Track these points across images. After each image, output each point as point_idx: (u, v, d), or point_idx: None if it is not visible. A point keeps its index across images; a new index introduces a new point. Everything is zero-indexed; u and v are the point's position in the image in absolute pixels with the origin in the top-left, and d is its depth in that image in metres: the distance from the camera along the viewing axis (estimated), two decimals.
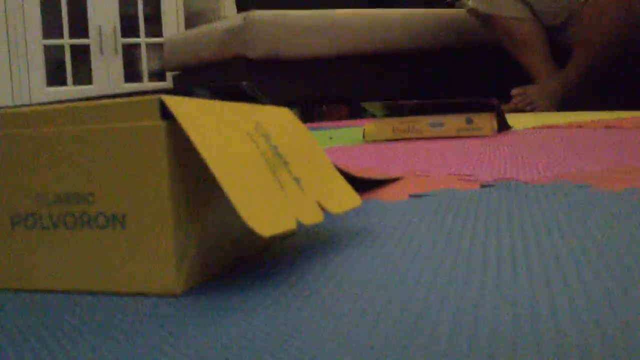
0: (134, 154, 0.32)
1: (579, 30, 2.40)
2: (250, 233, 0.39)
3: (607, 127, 1.38)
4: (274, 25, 2.62)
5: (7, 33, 3.75)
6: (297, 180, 0.38)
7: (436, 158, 0.95)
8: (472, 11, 2.71)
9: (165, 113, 0.31)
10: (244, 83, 0.41)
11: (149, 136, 0.31)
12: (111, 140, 0.32)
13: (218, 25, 2.83)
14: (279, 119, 0.42)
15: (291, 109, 3.35)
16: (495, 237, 0.41)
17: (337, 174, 0.44)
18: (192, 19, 4.42)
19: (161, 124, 0.31)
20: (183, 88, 0.42)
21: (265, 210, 0.32)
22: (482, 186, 0.66)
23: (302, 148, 0.42)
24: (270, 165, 0.36)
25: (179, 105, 0.31)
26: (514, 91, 2.51)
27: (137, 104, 0.31)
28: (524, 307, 0.27)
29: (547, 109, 2.44)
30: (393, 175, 0.78)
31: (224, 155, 0.32)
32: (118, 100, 0.32)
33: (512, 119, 2.00)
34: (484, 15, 2.67)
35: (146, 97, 0.31)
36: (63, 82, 3.94)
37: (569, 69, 2.43)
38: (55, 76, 3.98)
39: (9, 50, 3.75)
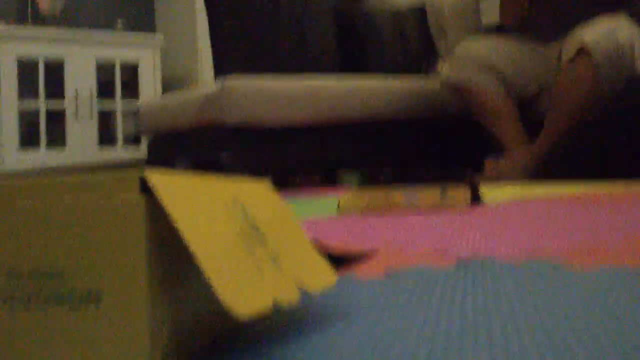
0: (111, 230, 0.31)
1: (551, 101, 2.44)
2: (227, 312, 0.39)
3: (577, 200, 1.39)
4: (251, 93, 2.64)
5: None
6: (274, 258, 0.38)
7: (411, 231, 0.95)
8: (444, 82, 2.76)
9: (145, 187, 0.31)
10: (224, 155, 0.41)
11: (128, 211, 0.31)
12: (88, 215, 0.32)
13: (195, 92, 2.85)
14: (257, 194, 0.42)
15: (265, 177, 3.36)
16: (472, 317, 0.41)
17: (313, 250, 0.44)
18: (169, 85, 4.45)
19: (140, 198, 0.31)
20: (161, 157, 0.42)
21: (243, 290, 0.32)
22: (457, 263, 0.66)
23: (280, 223, 0.42)
24: (248, 242, 0.36)
25: (159, 180, 0.31)
26: (487, 162, 2.53)
27: (117, 179, 0.31)
28: None
29: (518, 180, 2.46)
30: (368, 250, 0.78)
31: (203, 232, 0.32)
32: (97, 174, 0.32)
33: (486, 190, 2.02)
34: (455, 86, 2.71)
35: (126, 172, 0.31)
36: (36, 145, 3.92)
37: (541, 139, 2.47)
38: (28, 139, 3.96)
39: None
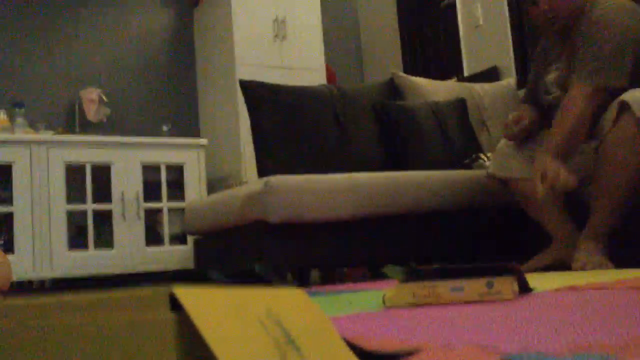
0: (144, 345, 0.32)
1: (596, 184, 2.40)
2: None
3: (631, 287, 1.36)
4: (293, 190, 2.66)
5: (32, 199, 3.83)
6: None
7: (457, 325, 0.94)
8: (490, 176, 2.76)
9: (175, 304, 0.31)
10: (257, 266, 0.41)
11: (159, 329, 0.31)
12: (122, 331, 0.32)
13: (239, 190, 2.88)
14: (291, 302, 0.42)
15: (311, 271, 3.35)
16: None
17: (350, 356, 0.44)
18: (213, 184, 4.51)
19: (171, 317, 0.31)
20: (198, 270, 0.42)
21: None
22: (503, 358, 0.64)
23: (315, 331, 0.42)
24: (281, 352, 0.36)
25: (189, 297, 0.32)
26: (575, 266, 2.42)
27: (148, 297, 0.32)
28: None
29: (604, 265, 2.36)
30: (411, 347, 0.77)
31: (234, 346, 0.32)
32: (128, 292, 0.32)
33: (532, 279, 1.99)
34: (501, 180, 2.71)
35: (156, 290, 0.31)
36: (85, 246, 3.98)
37: (592, 224, 2.41)
38: (77, 240, 4.02)
39: (32, 215, 3.82)
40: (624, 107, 2.31)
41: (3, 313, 0.34)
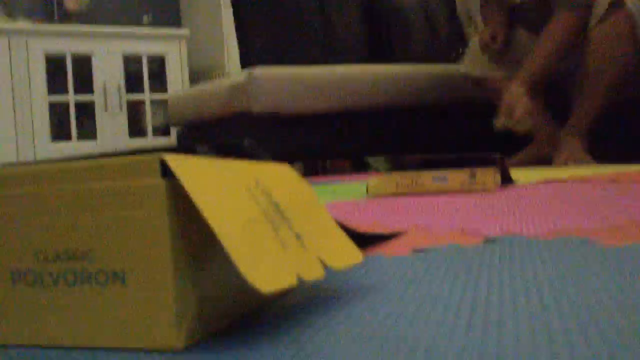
0: (134, 212, 0.32)
1: (583, 72, 2.39)
2: (252, 289, 0.39)
3: (610, 181, 1.38)
4: (277, 82, 2.65)
5: (13, 89, 3.78)
6: (298, 236, 0.38)
7: (439, 213, 0.95)
8: (465, 75, 2.74)
9: (166, 171, 0.32)
10: (245, 140, 0.41)
11: (150, 194, 0.31)
12: (112, 198, 0.32)
13: (222, 82, 2.86)
14: (279, 176, 0.42)
15: (295, 164, 3.36)
16: (497, 295, 0.41)
17: (339, 229, 0.44)
18: (196, 76, 4.47)
19: (161, 182, 0.31)
20: (185, 145, 0.42)
21: (266, 266, 0.32)
22: (486, 241, 0.65)
23: (303, 204, 0.42)
24: (271, 221, 0.36)
25: (179, 163, 0.32)
26: (556, 161, 2.43)
27: (138, 163, 0.32)
28: None
29: (586, 160, 2.38)
30: (395, 230, 0.78)
31: (224, 212, 0.32)
32: (119, 159, 0.32)
33: (515, 173, 2.01)
34: (476, 79, 2.69)
35: (147, 156, 0.31)
36: (67, 138, 3.97)
37: (575, 119, 2.42)
38: (59, 131, 4.01)
39: (14, 106, 3.79)
40: (618, 2, 2.28)
41: None
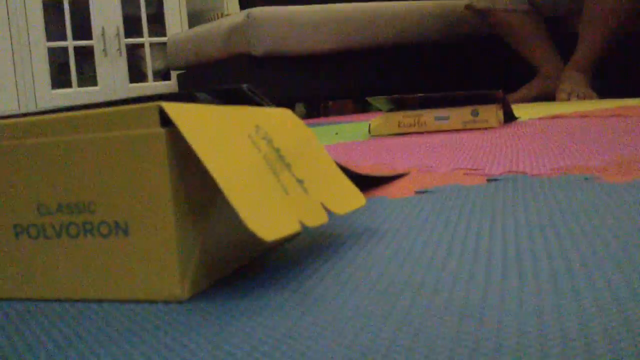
0: (134, 162, 0.32)
1: (585, 15, 2.36)
2: (254, 237, 0.39)
3: (613, 115, 1.37)
4: (276, 22, 2.62)
5: (11, 37, 3.75)
6: (300, 182, 0.38)
7: (442, 152, 0.95)
8: (469, 7, 2.70)
9: (165, 120, 0.31)
10: (245, 85, 0.40)
11: (150, 143, 0.31)
12: (112, 148, 0.32)
13: (221, 23, 2.83)
14: (280, 121, 0.42)
15: (296, 105, 3.35)
16: (501, 234, 0.41)
17: (341, 174, 0.44)
18: (195, 18, 4.42)
19: (161, 131, 0.31)
20: (184, 92, 0.42)
21: (268, 213, 0.32)
22: (489, 180, 0.65)
23: (305, 149, 0.42)
24: (273, 168, 0.36)
25: (178, 111, 0.31)
26: (559, 96, 2.42)
27: (137, 112, 0.31)
28: (529, 307, 0.27)
29: (589, 95, 2.36)
30: (399, 171, 0.78)
31: (225, 160, 0.32)
32: (118, 108, 0.32)
33: (518, 109, 2.00)
34: (481, 10, 2.65)
35: (145, 105, 0.31)
36: (68, 84, 3.95)
37: (578, 53, 2.39)
38: (60, 78, 3.99)
39: (12, 54, 3.76)
40: None
41: None
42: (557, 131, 1.12)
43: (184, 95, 0.43)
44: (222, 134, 0.33)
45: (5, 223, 0.34)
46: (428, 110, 1.38)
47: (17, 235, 0.34)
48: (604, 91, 2.59)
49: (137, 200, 0.32)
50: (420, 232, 0.43)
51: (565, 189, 0.56)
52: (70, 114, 0.33)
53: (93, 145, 0.32)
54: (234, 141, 0.34)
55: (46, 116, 0.33)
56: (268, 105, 0.45)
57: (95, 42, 3.98)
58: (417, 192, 0.61)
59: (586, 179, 0.61)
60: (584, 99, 2.34)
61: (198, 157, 0.33)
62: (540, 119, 1.48)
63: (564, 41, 2.64)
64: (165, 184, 0.31)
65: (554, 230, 0.41)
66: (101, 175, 0.32)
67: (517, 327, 0.25)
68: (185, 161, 0.32)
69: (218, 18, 3.76)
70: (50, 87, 3.85)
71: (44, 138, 0.33)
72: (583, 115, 1.44)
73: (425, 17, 2.90)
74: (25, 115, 0.45)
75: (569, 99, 2.35)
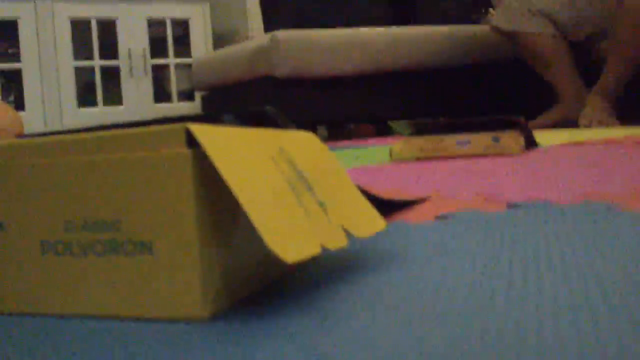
0: (160, 182, 0.32)
1: (612, 36, 2.36)
2: (275, 258, 0.39)
3: (636, 143, 1.37)
4: (300, 45, 2.64)
5: (39, 55, 3.80)
6: (321, 204, 0.38)
7: (463, 177, 0.95)
8: (495, 28, 2.71)
9: (191, 141, 0.32)
10: (269, 108, 0.41)
11: (176, 164, 0.32)
12: (138, 168, 0.33)
13: (245, 45, 2.85)
14: (302, 144, 0.42)
15: (318, 128, 3.36)
16: (520, 263, 0.41)
17: (362, 197, 0.45)
18: (220, 40, 4.46)
19: (187, 151, 0.32)
20: (209, 113, 0.43)
21: (290, 235, 0.32)
22: (509, 206, 0.65)
23: (326, 172, 0.42)
24: (295, 190, 0.36)
25: (204, 133, 0.32)
26: (582, 122, 2.42)
27: (164, 133, 0.32)
28: (548, 336, 0.27)
29: (611, 122, 2.36)
30: (419, 196, 0.79)
31: (249, 181, 0.32)
32: (144, 128, 0.32)
33: (539, 135, 2.00)
34: (507, 33, 2.66)
35: (172, 126, 0.32)
36: (93, 104, 3.99)
37: (604, 81, 2.39)
38: (85, 97, 4.03)
39: (40, 72, 3.81)
40: None
41: (17, 150, 0.35)
42: (579, 158, 1.12)
43: (209, 117, 0.44)
44: (246, 156, 0.34)
45: (33, 239, 0.35)
46: (449, 135, 1.39)
47: (43, 251, 0.35)
48: (626, 118, 2.58)
49: (162, 220, 0.32)
50: (440, 258, 0.44)
51: (586, 216, 0.56)
52: (98, 133, 0.33)
53: (120, 164, 0.33)
54: (257, 163, 0.35)
55: (74, 135, 0.34)
56: (291, 128, 0.46)
57: (121, 62, 4.02)
58: (437, 218, 0.62)
59: (608, 206, 0.61)
60: (606, 125, 2.33)
61: (222, 178, 0.34)
62: (561, 145, 1.48)
63: (587, 66, 2.63)
64: (190, 204, 0.32)
65: (575, 258, 0.41)
66: (128, 194, 0.33)
67: (536, 355, 0.25)
68: (209, 182, 0.33)
69: (243, 40, 3.79)
70: (76, 105, 3.89)
71: (72, 157, 0.34)
72: (605, 142, 1.44)
73: (448, 41, 2.91)
74: (53, 133, 0.46)
75: (590, 126, 2.34)
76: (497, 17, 2.70)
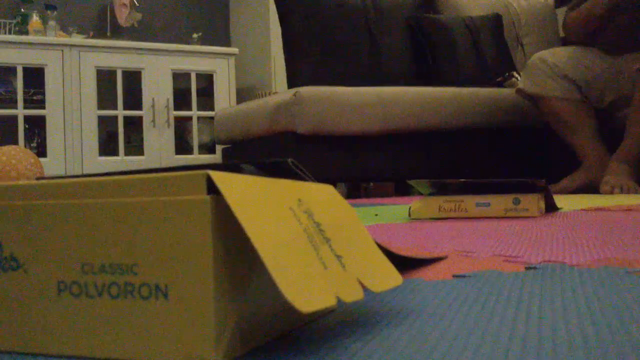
0: (179, 227, 0.32)
1: (633, 109, 2.37)
2: (291, 308, 0.39)
3: None
4: (323, 101, 2.66)
5: (64, 103, 3.86)
6: (338, 257, 0.38)
7: (481, 238, 0.95)
8: (520, 91, 2.72)
9: (211, 188, 0.32)
10: (289, 160, 0.41)
11: (195, 210, 0.32)
12: (157, 212, 0.33)
13: (268, 100, 2.88)
14: (321, 196, 0.42)
15: (338, 185, 3.37)
16: (537, 325, 0.41)
17: (379, 252, 0.45)
18: (243, 94, 4.51)
19: (207, 198, 0.32)
20: (230, 163, 0.43)
21: (306, 285, 0.32)
22: (527, 268, 0.65)
23: (345, 225, 0.42)
24: (312, 241, 0.36)
25: (224, 180, 0.32)
26: (603, 188, 2.41)
27: (185, 178, 0.32)
28: None
29: (633, 188, 2.35)
30: (437, 254, 0.78)
31: (267, 230, 0.33)
32: (166, 174, 0.33)
33: (560, 200, 1.99)
34: (531, 96, 2.67)
35: (193, 172, 0.32)
36: (115, 153, 4.02)
37: (625, 147, 2.39)
38: (107, 146, 4.07)
39: (64, 120, 3.86)
40: None
41: (37, 191, 0.35)
42: (599, 223, 1.11)
43: (229, 166, 0.44)
44: (265, 205, 0.34)
45: (50, 279, 0.35)
46: (469, 196, 1.38)
47: (59, 291, 0.35)
48: None
49: (179, 265, 0.32)
50: (456, 316, 0.43)
51: (605, 280, 0.56)
52: (118, 177, 0.34)
53: (140, 208, 0.33)
54: (276, 212, 0.35)
55: (95, 178, 0.34)
56: (311, 180, 0.46)
57: (144, 113, 4.07)
58: (455, 276, 0.61)
59: (627, 271, 0.60)
60: (628, 192, 2.32)
61: (241, 226, 0.34)
62: (582, 210, 1.47)
63: (609, 132, 2.63)
64: (208, 251, 0.32)
65: (592, 321, 0.40)
66: (146, 238, 0.33)
67: None
68: (228, 229, 0.33)
69: (266, 95, 3.83)
70: (97, 154, 3.93)
71: (93, 199, 0.34)
72: (627, 209, 1.43)
73: (471, 103, 2.92)
74: (73, 177, 0.46)
75: (612, 192, 2.33)
76: (522, 79, 2.71)
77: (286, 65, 3.05)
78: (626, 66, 2.54)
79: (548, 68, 2.62)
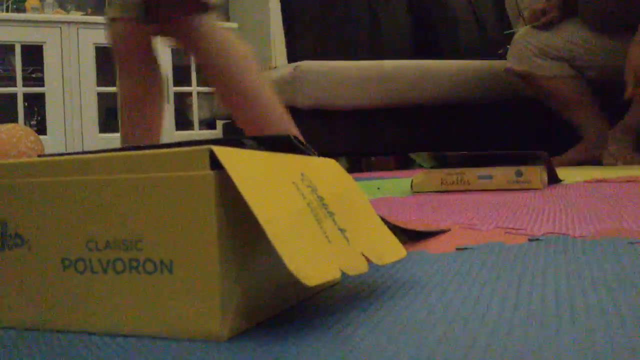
0: (183, 202, 0.32)
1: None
2: (295, 281, 0.39)
3: None
4: (323, 76, 2.65)
5: (63, 80, 3.84)
6: (342, 231, 0.38)
7: (484, 210, 0.95)
8: (509, 71, 2.65)
9: (215, 163, 0.32)
10: (292, 134, 0.41)
11: (198, 185, 0.32)
12: (161, 188, 0.33)
13: (268, 75, 2.87)
14: (325, 170, 0.42)
15: (339, 159, 3.37)
16: (540, 294, 0.41)
17: (383, 225, 0.45)
18: None
19: (210, 173, 0.32)
20: (232, 138, 0.43)
21: (310, 259, 0.32)
22: (530, 240, 0.65)
23: (348, 199, 0.42)
24: (316, 215, 0.36)
25: (227, 155, 0.32)
26: (606, 161, 2.38)
27: (188, 154, 0.32)
28: None
29: (636, 160, 2.33)
30: (440, 227, 0.78)
31: (271, 204, 0.33)
32: (169, 150, 0.33)
33: (562, 172, 1.99)
34: (520, 74, 2.61)
35: (196, 148, 0.32)
36: (115, 129, 4.02)
37: (628, 119, 2.37)
38: (107, 123, 4.06)
39: (63, 97, 3.85)
40: None
41: (41, 168, 0.35)
42: (602, 195, 1.11)
43: (231, 141, 0.44)
44: (268, 180, 0.34)
45: (54, 256, 0.35)
46: (471, 169, 1.38)
47: (64, 268, 0.35)
48: None
49: (183, 240, 0.32)
50: (459, 288, 0.43)
51: (608, 251, 0.56)
52: (122, 153, 0.34)
53: (144, 184, 0.33)
54: (279, 187, 0.35)
55: (99, 155, 0.34)
56: (313, 154, 0.46)
57: None
58: (458, 249, 0.61)
59: (630, 242, 0.60)
60: (632, 163, 2.31)
61: (245, 201, 0.34)
62: (584, 182, 1.47)
63: (611, 105, 2.62)
64: (212, 225, 0.32)
65: (595, 291, 0.40)
66: (150, 214, 0.33)
67: None
68: (231, 204, 0.33)
69: (266, 70, 3.82)
70: (97, 131, 3.93)
71: (97, 176, 0.34)
72: (629, 180, 1.43)
73: (472, 76, 2.91)
74: (75, 154, 0.46)
75: (615, 164, 2.33)
76: (509, 58, 2.65)
77: (286, 40, 3.04)
78: (620, 46, 2.50)
79: (536, 46, 2.57)
